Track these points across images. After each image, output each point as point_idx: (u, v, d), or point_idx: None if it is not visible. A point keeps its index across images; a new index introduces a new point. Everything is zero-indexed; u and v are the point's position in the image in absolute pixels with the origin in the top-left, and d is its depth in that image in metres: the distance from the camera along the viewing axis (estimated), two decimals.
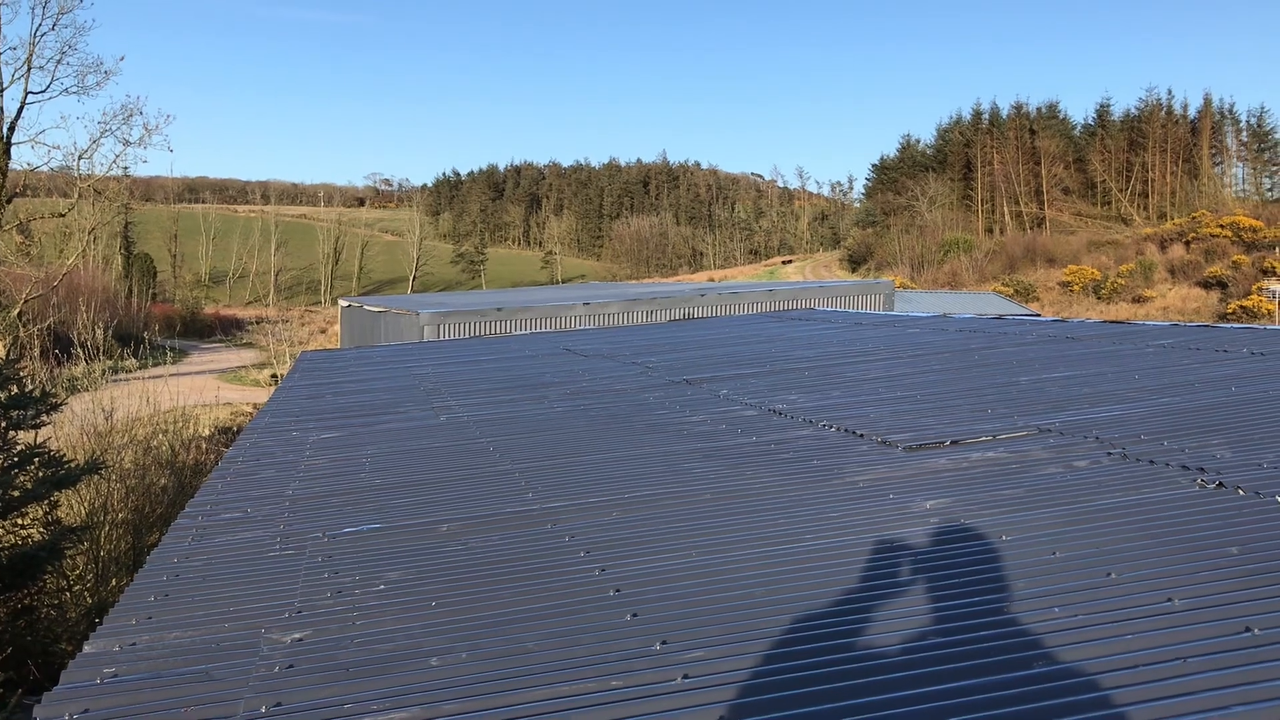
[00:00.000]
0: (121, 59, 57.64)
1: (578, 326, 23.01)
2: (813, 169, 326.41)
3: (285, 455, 6.66)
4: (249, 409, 27.02)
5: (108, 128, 39.53)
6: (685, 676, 2.65)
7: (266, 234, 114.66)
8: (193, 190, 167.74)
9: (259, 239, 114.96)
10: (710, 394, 8.22)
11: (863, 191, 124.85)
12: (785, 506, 4.43)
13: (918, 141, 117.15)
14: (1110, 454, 4.92)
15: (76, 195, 39.45)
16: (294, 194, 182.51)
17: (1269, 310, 50.21)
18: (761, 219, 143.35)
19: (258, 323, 74.24)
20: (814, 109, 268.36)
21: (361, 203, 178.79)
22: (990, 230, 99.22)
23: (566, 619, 3.19)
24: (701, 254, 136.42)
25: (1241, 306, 52.30)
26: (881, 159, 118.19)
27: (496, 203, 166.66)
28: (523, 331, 21.73)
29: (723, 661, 2.73)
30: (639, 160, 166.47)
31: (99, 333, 22.29)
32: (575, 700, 2.54)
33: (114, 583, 11.12)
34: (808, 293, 27.46)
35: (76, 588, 10.91)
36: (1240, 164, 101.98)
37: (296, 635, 3.23)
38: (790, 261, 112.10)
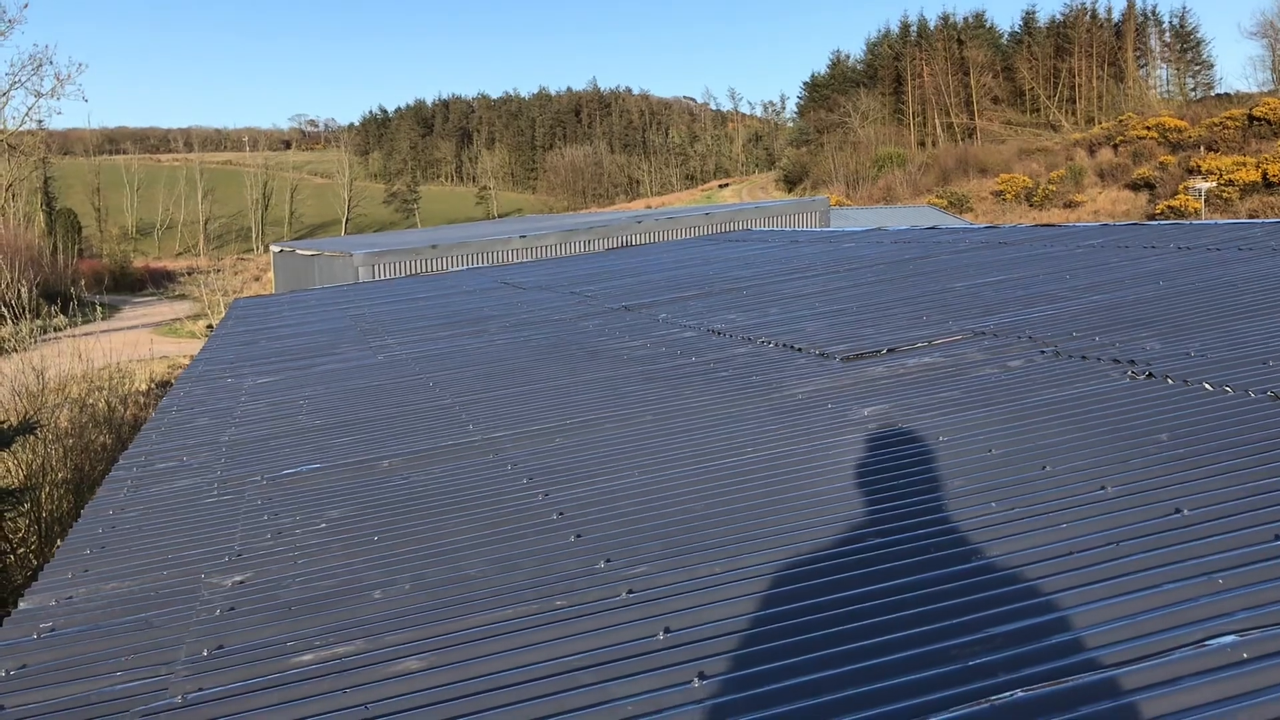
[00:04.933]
0: (25, 6, 55.51)
1: (515, 260, 22.82)
2: (745, 90, 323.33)
3: (220, 402, 6.55)
4: (186, 361, 26.55)
5: (17, 79, 38.31)
6: (629, 591, 2.65)
7: (192, 183, 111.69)
8: (113, 141, 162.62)
9: (185, 188, 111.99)
10: (649, 318, 8.19)
11: (795, 110, 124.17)
12: (725, 423, 4.44)
13: (848, 57, 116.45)
14: (1043, 352, 4.99)
15: None
16: (218, 140, 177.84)
17: (1195, 209, 51.09)
18: (696, 143, 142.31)
19: (189, 274, 72.62)
20: (743, 28, 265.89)
21: (288, 145, 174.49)
22: (923, 143, 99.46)
23: (510, 545, 3.18)
24: (638, 182, 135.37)
25: (1170, 207, 53.11)
26: (813, 76, 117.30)
27: (426, 139, 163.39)
28: (459, 268, 21.51)
29: (665, 575, 2.74)
30: (569, 89, 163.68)
31: (24, 292, 21.72)
32: (519, 622, 2.53)
33: (58, 543, 10.95)
34: (744, 214, 27.42)
35: (20, 550, 10.73)
36: (1164, 65, 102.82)
37: (237, 578, 3.19)
38: (727, 185, 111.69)
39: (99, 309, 31.41)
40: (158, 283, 74.55)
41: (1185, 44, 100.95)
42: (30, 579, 9.76)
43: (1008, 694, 1.90)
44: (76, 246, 78.57)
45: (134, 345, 23.12)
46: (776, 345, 6.22)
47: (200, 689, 2.40)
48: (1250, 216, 48.32)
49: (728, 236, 18.78)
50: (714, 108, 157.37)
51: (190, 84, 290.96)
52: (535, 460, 4.21)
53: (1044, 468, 3.23)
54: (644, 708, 2.05)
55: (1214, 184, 52.74)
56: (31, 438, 11.55)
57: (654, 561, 2.86)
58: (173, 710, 2.32)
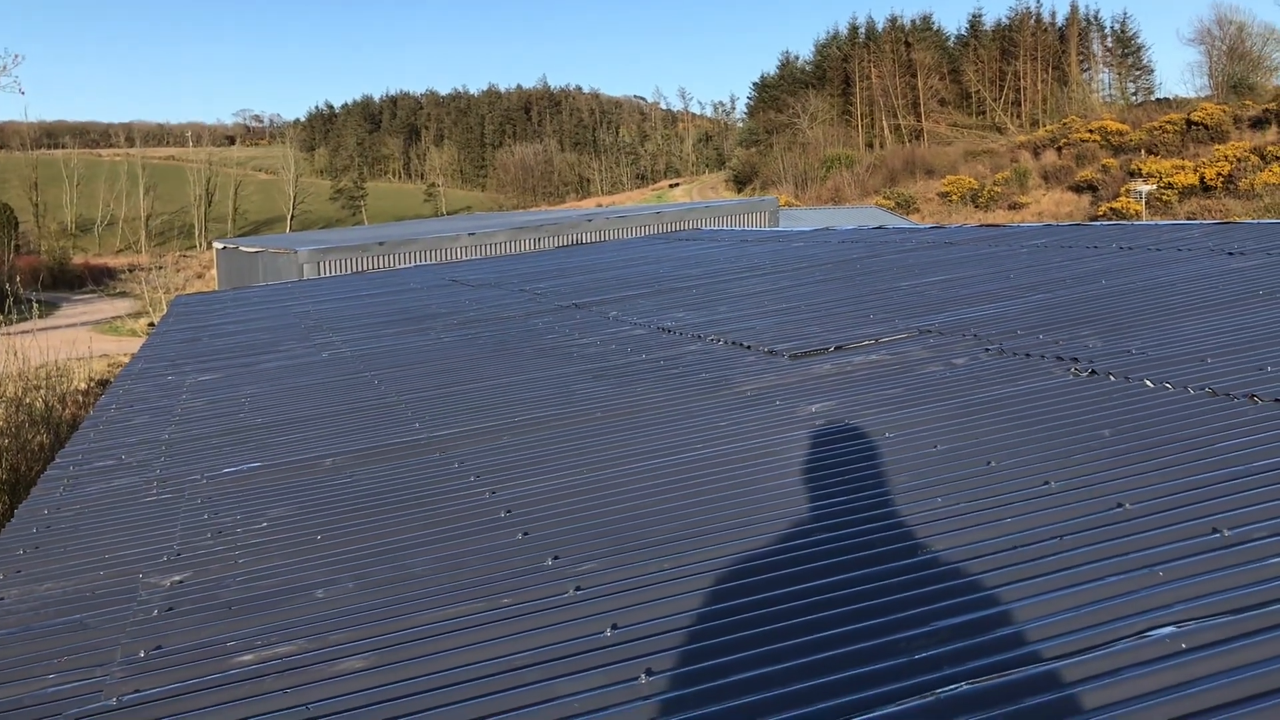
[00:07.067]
0: None
1: (464, 258, 22.68)
2: (695, 90, 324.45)
3: (160, 400, 6.43)
4: (126, 359, 26.06)
5: None
6: (577, 589, 2.63)
7: (134, 178, 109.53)
8: (51, 135, 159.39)
9: (126, 183, 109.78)
10: (599, 316, 8.17)
11: (745, 111, 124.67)
12: (674, 419, 4.43)
13: (797, 58, 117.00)
14: (988, 350, 5.04)
15: None
16: (160, 135, 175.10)
17: (1137, 211, 51.96)
18: (647, 142, 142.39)
19: (131, 270, 71.43)
20: (694, 28, 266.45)
21: (232, 141, 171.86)
22: (870, 145, 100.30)
23: (457, 542, 3.15)
24: (588, 180, 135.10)
25: (1111, 208, 53.95)
26: (762, 77, 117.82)
27: (374, 135, 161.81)
28: (407, 265, 21.34)
29: (613, 572, 2.72)
30: (519, 86, 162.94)
31: None
32: (464, 621, 2.50)
33: None
34: (694, 213, 27.48)
35: None
36: (1106, 69, 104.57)
37: (176, 578, 3.13)
38: (677, 184, 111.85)
39: (36, 306, 30.64)
40: (98, 280, 73.07)
41: (1126, 49, 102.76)
42: None
43: (953, 686, 1.91)
44: (13, 242, 76.83)
45: (73, 343, 22.61)
46: (725, 343, 6.23)
47: (137, 690, 2.35)
48: (1189, 218, 49.25)
49: (678, 235, 18.80)
50: (664, 107, 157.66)
51: (132, 78, 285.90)
52: (482, 458, 4.18)
53: (989, 463, 3.26)
54: (590, 705, 2.04)
55: (1154, 187, 53.68)
56: None
57: (602, 558, 2.84)
58: (108, 712, 2.26)
